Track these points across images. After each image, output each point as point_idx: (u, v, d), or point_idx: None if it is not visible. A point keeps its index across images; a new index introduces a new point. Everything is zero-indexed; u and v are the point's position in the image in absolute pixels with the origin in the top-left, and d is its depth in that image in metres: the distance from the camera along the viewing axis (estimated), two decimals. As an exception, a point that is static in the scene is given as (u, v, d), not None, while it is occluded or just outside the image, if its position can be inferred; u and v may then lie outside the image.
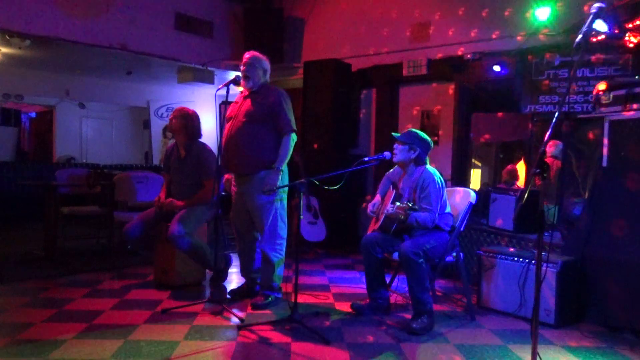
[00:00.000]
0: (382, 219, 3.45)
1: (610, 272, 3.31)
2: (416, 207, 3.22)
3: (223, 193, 4.01)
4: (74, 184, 5.89)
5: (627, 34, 3.89)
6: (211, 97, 9.69)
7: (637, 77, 3.70)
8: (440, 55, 5.78)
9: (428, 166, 3.52)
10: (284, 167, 3.66)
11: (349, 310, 3.60)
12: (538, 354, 2.15)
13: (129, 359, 2.67)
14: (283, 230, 3.74)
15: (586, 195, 4.40)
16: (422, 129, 4.50)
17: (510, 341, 3.10)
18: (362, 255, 3.55)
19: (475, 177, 6.01)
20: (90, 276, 4.40)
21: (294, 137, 3.67)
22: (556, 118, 2.16)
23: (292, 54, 7.22)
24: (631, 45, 3.92)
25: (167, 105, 10.64)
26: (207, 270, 4.28)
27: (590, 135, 4.52)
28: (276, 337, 3.05)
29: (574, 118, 4.52)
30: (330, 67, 6.20)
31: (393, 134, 3.62)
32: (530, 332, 2.13)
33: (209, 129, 6.88)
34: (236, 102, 3.77)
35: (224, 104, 3.84)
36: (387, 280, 3.73)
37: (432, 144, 3.56)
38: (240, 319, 3.34)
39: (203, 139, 4.15)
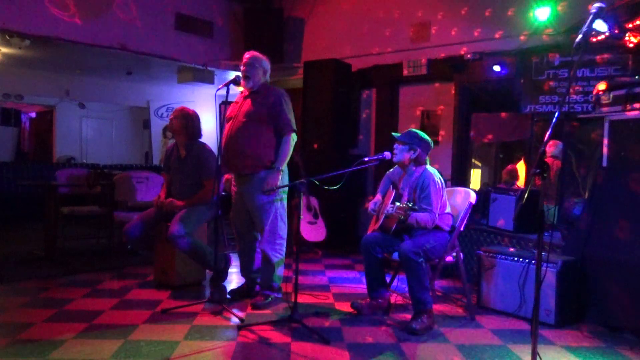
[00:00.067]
0: (382, 219, 3.45)
1: (611, 272, 3.31)
2: (416, 207, 3.23)
3: (223, 193, 4.01)
4: (74, 184, 5.90)
5: (627, 34, 3.89)
6: (211, 97, 9.69)
7: (637, 77, 3.70)
8: (440, 55, 5.78)
9: (428, 166, 3.52)
10: (284, 167, 3.66)
11: (349, 310, 3.60)
12: (538, 354, 2.15)
13: (129, 359, 2.67)
14: (283, 230, 3.74)
15: (586, 195, 4.41)
16: (422, 129, 4.50)
17: (510, 341, 3.10)
18: (362, 255, 3.55)
19: (475, 177, 6.02)
20: (90, 276, 4.40)
21: (294, 137, 3.67)
22: (556, 118, 2.16)
23: (292, 54, 7.23)
24: (631, 45, 3.92)
25: (167, 105, 10.64)
26: (207, 270, 4.28)
27: (590, 135, 4.52)
28: (276, 337, 3.05)
29: (574, 118, 4.52)
30: (330, 67, 6.19)
31: (393, 134, 3.62)
32: (530, 332, 2.13)
33: (209, 129, 6.88)
34: (236, 102, 3.77)
35: (224, 104, 3.84)
36: (387, 280, 3.73)
37: (432, 144, 3.56)
38: (240, 319, 3.34)
39: (203, 139, 4.15)
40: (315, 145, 6.19)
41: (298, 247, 3.31)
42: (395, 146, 3.52)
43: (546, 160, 2.08)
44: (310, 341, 2.99)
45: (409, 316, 3.36)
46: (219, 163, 3.59)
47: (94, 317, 3.32)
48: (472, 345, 3.02)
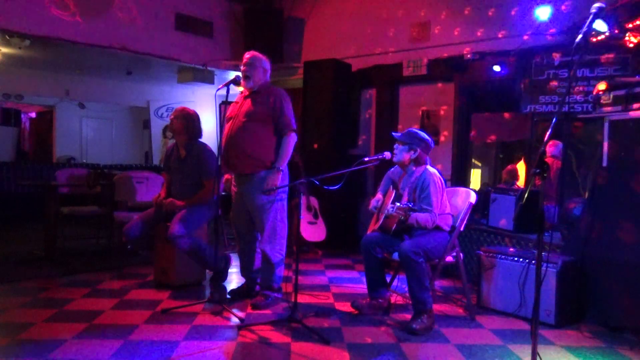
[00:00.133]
0: (382, 219, 3.45)
1: (611, 273, 3.31)
2: (416, 207, 3.23)
3: (223, 193, 4.01)
4: (73, 184, 5.89)
5: (627, 34, 3.89)
6: (211, 97, 9.70)
7: (637, 77, 3.70)
8: (440, 55, 5.78)
9: (428, 166, 3.52)
10: (284, 167, 3.66)
11: (349, 310, 3.60)
12: (538, 354, 2.14)
13: (129, 359, 2.67)
14: (283, 230, 3.73)
15: (586, 195, 4.40)
16: (422, 129, 4.50)
17: (510, 341, 3.10)
18: (362, 255, 3.55)
19: (475, 177, 6.02)
20: (90, 276, 4.40)
21: (294, 137, 3.67)
22: (556, 118, 2.16)
23: (292, 54, 7.23)
24: (631, 45, 3.92)
25: (167, 105, 10.65)
26: (207, 270, 4.28)
27: (591, 135, 4.52)
28: (276, 337, 3.05)
29: (574, 118, 4.52)
30: (330, 67, 6.19)
31: (393, 133, 3.62)
32: (530, 332, 2.13)
33: (209, 129, 6.87)
34: (236, 102, 3.77)
35: (224, 104, 3.84)
36: (387, 280, 3.73)
37: (432, 144, 3.56)
38: (240, 319, 3.34)
39: (203, 139, 4.15)
40: (315, 145, 6.19)
41: (298, 247, 3.31)
42: (395, 146, 3.52)
43: (546, 160, 2.08)
44: (310, 341, 2.99)
45: (409, 316, 3.36)
46: (219, 163, 3.59)
47: (94, 317, 3.32)
48: (472, 345, 3.02)
